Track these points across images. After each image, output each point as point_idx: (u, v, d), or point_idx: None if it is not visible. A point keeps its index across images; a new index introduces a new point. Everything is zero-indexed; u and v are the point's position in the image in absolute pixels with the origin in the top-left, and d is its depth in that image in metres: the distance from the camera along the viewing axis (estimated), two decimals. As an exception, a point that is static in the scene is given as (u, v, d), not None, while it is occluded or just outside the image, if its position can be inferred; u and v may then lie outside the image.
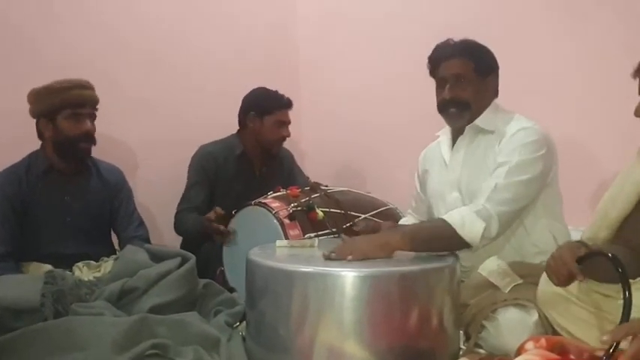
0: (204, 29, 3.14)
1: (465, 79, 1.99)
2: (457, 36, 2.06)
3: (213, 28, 3.17)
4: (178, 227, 2.71)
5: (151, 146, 2.96)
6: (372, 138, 3.24)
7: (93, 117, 2.35)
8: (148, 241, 2.47)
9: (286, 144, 2.97)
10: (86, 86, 2.33)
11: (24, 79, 2.36)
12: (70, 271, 2.18)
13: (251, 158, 2.84)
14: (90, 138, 2.33)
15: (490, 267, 1.87)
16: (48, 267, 2.12)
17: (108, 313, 1.63)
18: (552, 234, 1.96)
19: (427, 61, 2.07)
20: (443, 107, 2.03)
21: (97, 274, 2.13)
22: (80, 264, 2.23)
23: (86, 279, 1.91)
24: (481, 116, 2.01)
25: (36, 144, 2.37)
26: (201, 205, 2.67)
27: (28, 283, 1.71)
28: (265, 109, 2.76)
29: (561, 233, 1.97)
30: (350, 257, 1.67)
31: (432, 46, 2.07)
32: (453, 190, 2.05)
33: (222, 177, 2.76)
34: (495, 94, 2.07)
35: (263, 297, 1.68)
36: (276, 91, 2.82)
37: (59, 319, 1.58)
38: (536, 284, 1.74)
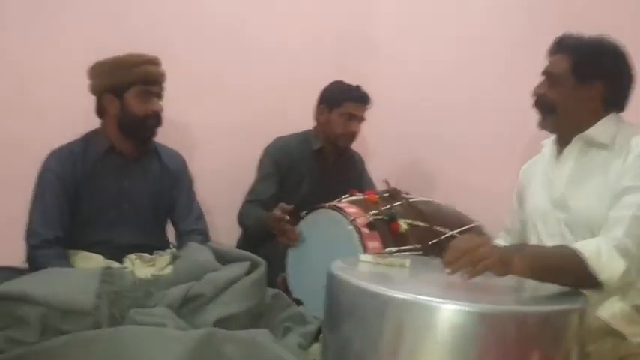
0: (280, 14, 2.94)
1: (556, 78, 1.72)
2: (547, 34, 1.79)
3: (290, 15, 2.96)
4: (242, 220, 2.54)
5: (214, 132, 2.75)
6: (453, 143, 2.95)
7: (161, 96, 2.16)
8: (206, 235, 2.26)
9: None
10: (157, 62, 2.15)
11: (79, 52, 2.21)
12: (121, 262, 1.99)
13: (326, 156, 2.66)
14: (158, 118, 2.14)
15: (612, 309, 1.58)
16: (98, 257, 1.97)
17: (170, 323, 1.38)
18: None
19: None
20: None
21: (152, 270, 1.92)
22: (133, 256, 2.02)
23: (143, 276, 1.67)
24: (595, 126, 1.73)
25: (91, 124, 2.17)
26: (269, 200, 2.48)
27: (82, 279, 1.47)
28: (335, 101, 2.59)
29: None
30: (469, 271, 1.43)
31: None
32: (557, 210, 1.77)
33: (294, 173, 2.59)
34: (611, 105, 1.76)
35: (349, 321, 1.41)
36: (352, 85, 2.62)
37: (115, 327, 1.35)
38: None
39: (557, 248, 1.67)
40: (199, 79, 2.67)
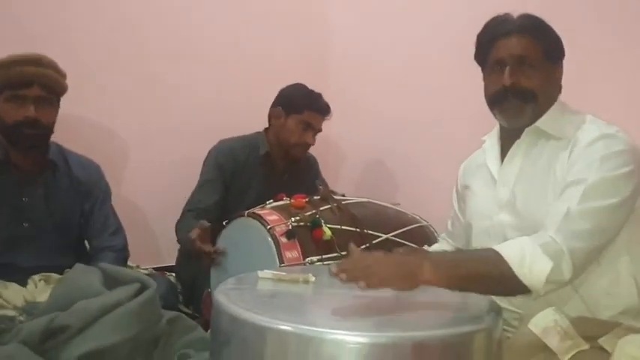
0: (221, 8, 2.73)
1: (532, 63, 1.50)
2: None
3: (233, 7, 2.77)
4: (176, 233, 2.29)
5: (149, 138, 2.55)
6: (408, 139, 2.72)
7: (42, 100, 1.89)
8: (123, 252, 2.08)
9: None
10: (32, 62, 1.87)
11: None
12: (24, 285, 1.83)
13: (275, 161, 2.43)
14: (33, 124, 1.88)
15: (545, 322, 1.35)
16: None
17: (18, 363, 1.20)
18: (635, 279, 1.44)
19: (475, 40, 1.58)
20: (499, 98, 1.52)
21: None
22: (37, 277, 1.87)
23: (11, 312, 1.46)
24: (545, 117, 1.52)
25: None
26: (210, 208, 2.25)
27: None
28: (294, 106, 2.35)
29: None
30: (362, 284, 1.20)
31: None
32: (502, 212, 1.56)
33: (239, 179, 2.36)
34: (560, 88, 1.59)
35: (229, 354, 1.23)
36: (315, 93, 2.40)
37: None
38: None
39: (478, 252, 1.47)
40: (129, 80, 2.48)
